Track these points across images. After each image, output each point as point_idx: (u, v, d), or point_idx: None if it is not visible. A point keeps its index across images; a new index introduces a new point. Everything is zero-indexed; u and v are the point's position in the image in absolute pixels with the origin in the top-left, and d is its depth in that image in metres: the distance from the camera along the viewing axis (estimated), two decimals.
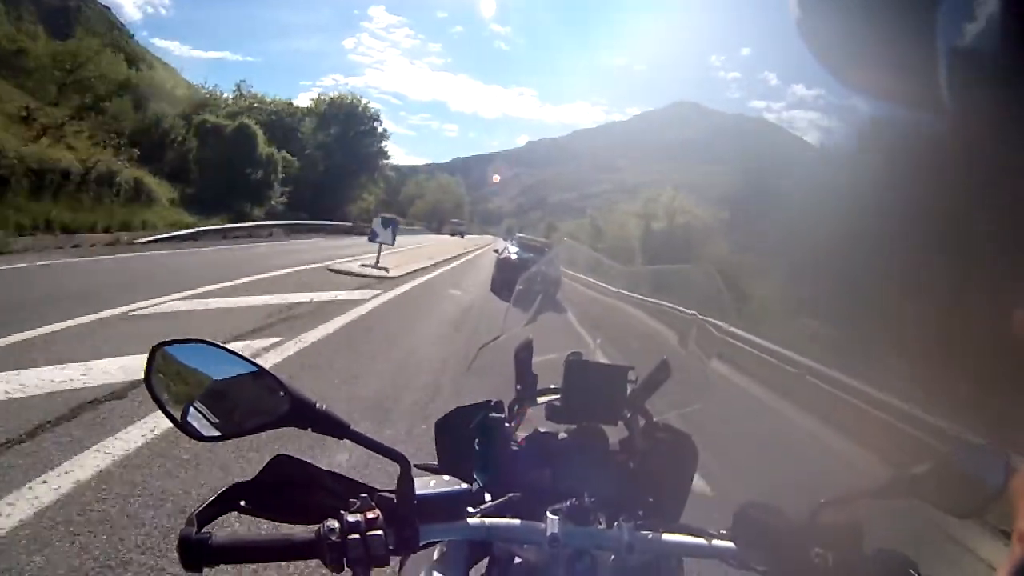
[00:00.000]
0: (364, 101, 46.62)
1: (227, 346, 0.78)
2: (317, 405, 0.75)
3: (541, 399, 1.25)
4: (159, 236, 15.90)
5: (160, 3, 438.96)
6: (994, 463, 0.74)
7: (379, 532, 0.72)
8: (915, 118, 0.45)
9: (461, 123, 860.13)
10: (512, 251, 13.89)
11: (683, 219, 35.73)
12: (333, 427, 0.76)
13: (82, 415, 3.56)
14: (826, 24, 0.48)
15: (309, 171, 38.32)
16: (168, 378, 0.78)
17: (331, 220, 33.90)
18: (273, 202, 31.04)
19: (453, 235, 63.83)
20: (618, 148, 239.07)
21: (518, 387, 1.26)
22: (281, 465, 0.79)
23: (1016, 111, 0.37)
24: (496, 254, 15.69)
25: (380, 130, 47.48)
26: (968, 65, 0.37)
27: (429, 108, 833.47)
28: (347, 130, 44.04)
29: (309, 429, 0.75)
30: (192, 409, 0.77)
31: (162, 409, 0.76)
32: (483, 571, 0.94)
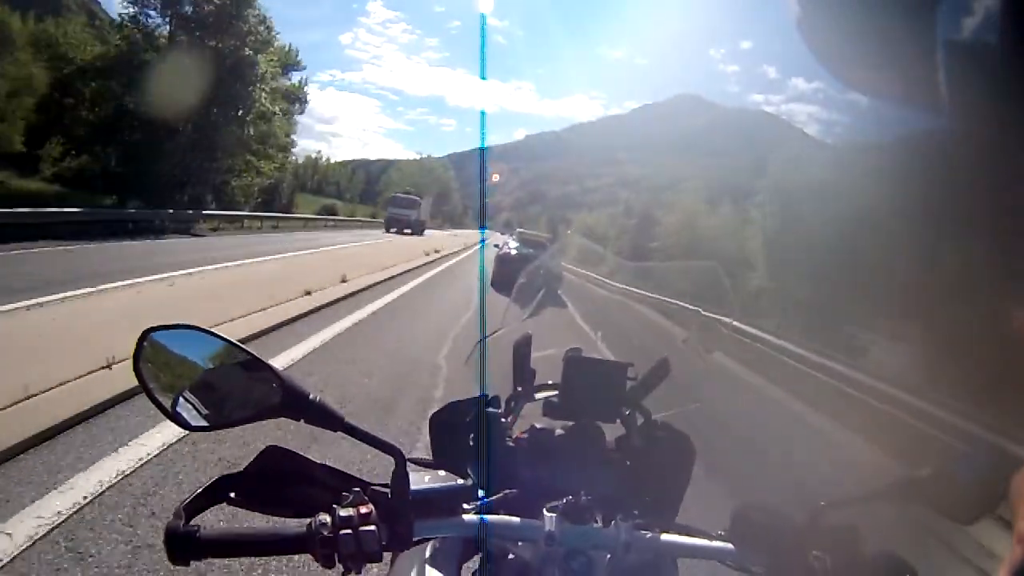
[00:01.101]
0: None
1: (219, 333, 0.76)
2: (311, 396, 0.74)
3: (539, 395, 1.25)
4: None
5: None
6: (995, 468, 0.73)
7: (372, 527, 0.71)
8: (914, 116, 0.45)
9: (459, 118, 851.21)
10: (512, 246, 13.82)
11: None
12: (326, 419, 0.74)
13: None
14: (827, 23, 0.48)
15: (122, 111, 22.39)
16: (157, 365, 0.76)
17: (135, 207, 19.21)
18: None
19: (399, 230, 34.05)
20: (618, 141, 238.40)
21: (516, 382, 1.25)
22: (272, 457, 0.78)
23: (1014, 108, 0.37)
24: (497, 248, 15.51)
25: (256, 28, 25.02)
26: (966, 63, 0.37)
27: (427, 103, 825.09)
28: (193, 34, 23.31)
29: (302, 421, 0.73)
30: (182, 399, 0.75)
31: (150, 397, 0.75)
32: (476, 567, 0.93)
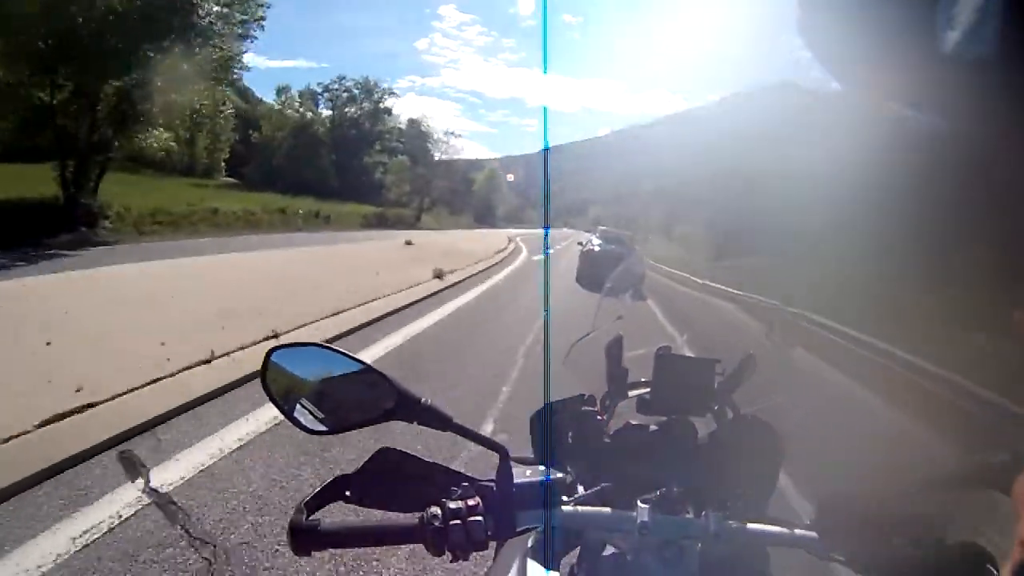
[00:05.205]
0: None
1: (336, 347, 0.85)
2: (422, 400, 0.80)
3: (632, 392, 1.27)
4: None
5: None
6: None
7: (479, 518, 0.77)
8: (916, 117, 0.45)
9: (541, 118, 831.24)
10: (595, 243, 13.68)
11: None
12: (437, 420, 0.80)
13: None
14: (827, 23, 0.48)
15: None
16: (279, 380, 0.86)
17: None
18: None
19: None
20: (708, 135, 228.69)
21: (609, 381, 1.29)
22: (385, 457, 0.85)
23: (1017, 109, 0.37)
24: (580, 246, 15.23)
25: None
26: (968, 63, 0.36)
27: (507, 105, 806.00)
28: None
29: (415, 423, 0.80)
30: (299, 406, 0.85)
31: (276, 406, 0.85)
32: (575, 558, 0.97)
